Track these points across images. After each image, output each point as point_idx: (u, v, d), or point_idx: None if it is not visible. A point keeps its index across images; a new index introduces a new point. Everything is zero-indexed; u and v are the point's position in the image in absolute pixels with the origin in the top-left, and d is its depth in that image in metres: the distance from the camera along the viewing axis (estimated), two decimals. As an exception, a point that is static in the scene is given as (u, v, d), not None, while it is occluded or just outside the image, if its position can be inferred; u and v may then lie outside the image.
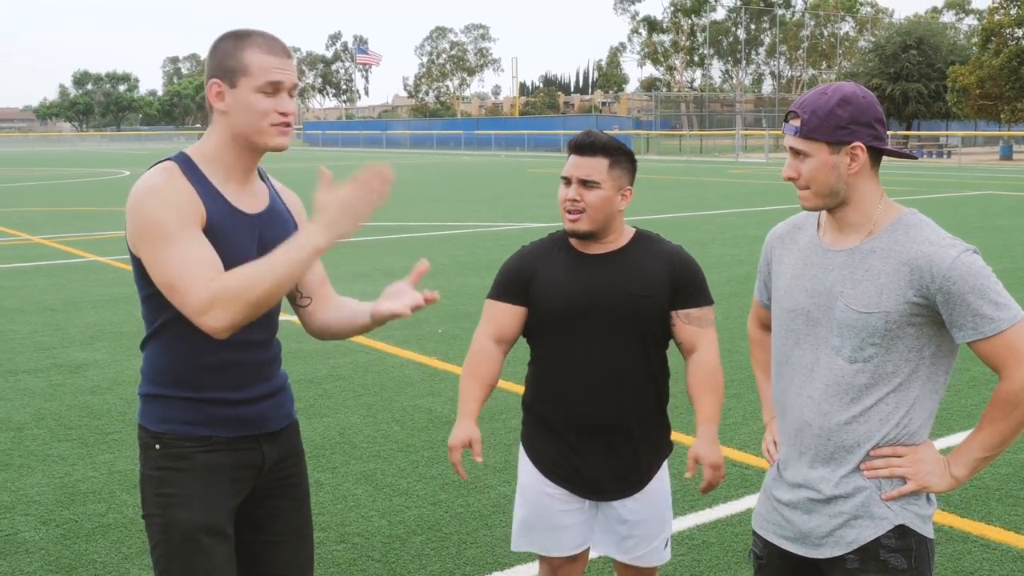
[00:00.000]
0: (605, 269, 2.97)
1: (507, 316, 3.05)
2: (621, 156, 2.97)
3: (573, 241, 3.03)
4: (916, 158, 2.73)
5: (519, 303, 3.04)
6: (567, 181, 2.96)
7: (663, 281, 2.95)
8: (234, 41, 2.44)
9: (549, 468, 3.05)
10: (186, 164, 2.44)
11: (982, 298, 2.24)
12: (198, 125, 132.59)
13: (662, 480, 3.09)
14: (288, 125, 2.48)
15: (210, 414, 2.49)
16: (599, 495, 3.04)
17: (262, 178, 2.62)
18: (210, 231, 2.38)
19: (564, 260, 3.02)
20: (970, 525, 4.58)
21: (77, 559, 4.30)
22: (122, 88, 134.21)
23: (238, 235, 2.45)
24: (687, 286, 2.98)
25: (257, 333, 2.52)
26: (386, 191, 2.40)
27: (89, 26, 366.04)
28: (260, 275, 2.29)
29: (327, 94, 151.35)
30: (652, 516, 3.07)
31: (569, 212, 2.94)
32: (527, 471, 3.11)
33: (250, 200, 2.52)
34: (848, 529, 2.38)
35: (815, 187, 2.34)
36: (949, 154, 48.88)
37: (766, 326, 2.77)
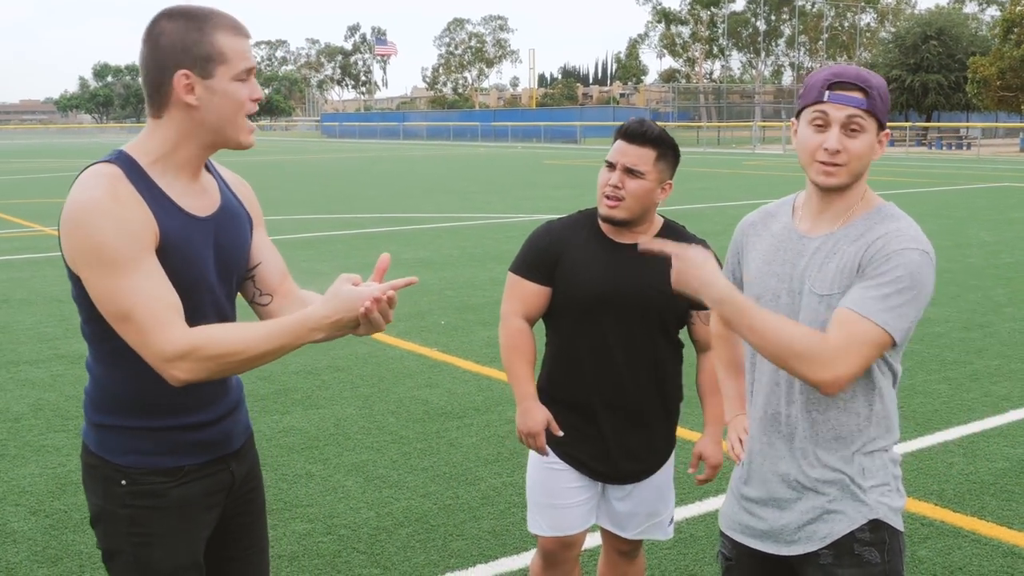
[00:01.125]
0: (634, 260, 2.94)
1: (533, 295, 3.06)
2: (668, 150, 2.97)
3: (604, 226, 3.04)
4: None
5: (545, 283, 3.05)
6: (611, 166, 2.96)
7: None
8: (194, 22, 2.15)
9: (563, 447, 3.10)
10: (130, 167, 2.17)
11: (888, 284, 2.17)
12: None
13: (670, 466, 3.24)
14: (253, 115, 2.27)
15: (178, 441, 2.28)
16: (612, 479, 3.11)
17: (208, 170, 2.37)
18: (165, 246, 2.16)
19: (594, 245, 3.02)
20: (962, 520, 4.54)
21: (64, 549, 4.31)
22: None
23: (193, 244, 2.22)
24: None
25: None
26: (390, 315, 2.21)
27: (112, 23, 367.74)
28: (248, 349, 2.11)
29: (346, 86, 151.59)
30: (658, 499, 3.21)
31: (608, 197, 2.94)
32: (538, 456, 3.17)
33: (201, 201, 2.27)
34: (821, 524, 2.34)
35: (852, 165, 2.26)
36: (969, 146, 48.49)
37: None
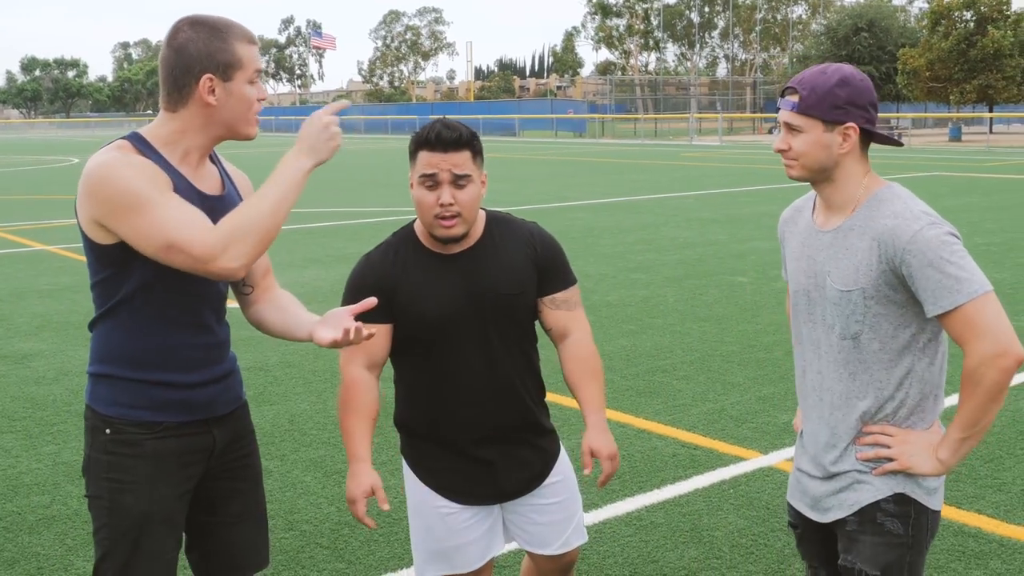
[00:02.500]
0: (472, 269, 2.73)
1: (375, 337, 2.68)
2: (478, 143, 2.69)
3: (426, 240, 2.76)
4: (902, 144, 2.76)
5: (384, 320, 2.73)
6: (432, 183, 2.61)
7: (528, 269, 2.77)
8: (217, 33, 2.44)
9: (443, 485, 2.83)
10: (140, 142, 2.44)
11: (940, 271, 2.28)
12: (149, 112, 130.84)
13: (563, 463, 2.96)
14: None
15: (159, 398, 2.49)
16: (503, 497, 2.87)
17: (213, 161, 2.62)
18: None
19: (426, 265, 2.74)
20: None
21: (20, 552, 4.25)
22: (71, 74, 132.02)
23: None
24: (551, 269, 2.81)
25: (207, 316, 2.55)
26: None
27: (39, 12, 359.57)
28: (262, 207, 2.35)
29: (280, 79, 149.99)
30: (564, 498, 2.93)
31: (443, 219, 2.62)
32: (417, 490, 2.88)
33: (206, 183, 2.53)
34: (850, 492, 2.48)
35: (803, 160, 2.42)
36: (899, 135, 49.42)
37: None
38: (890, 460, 2.43)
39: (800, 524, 2.68)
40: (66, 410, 6.20)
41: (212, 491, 2.65)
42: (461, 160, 2.62)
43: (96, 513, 2.52)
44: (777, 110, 2.51)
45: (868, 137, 2.46)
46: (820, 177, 2.46)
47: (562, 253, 2.87)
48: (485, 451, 2.81)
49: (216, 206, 2.49)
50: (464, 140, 2.63)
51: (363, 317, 2.60)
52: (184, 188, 2.43)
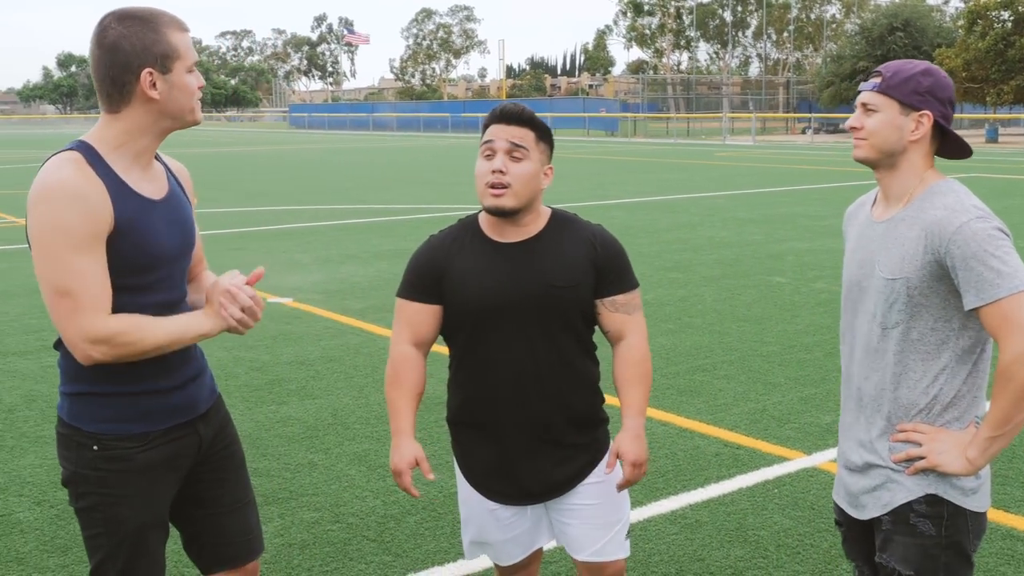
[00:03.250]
0: (524, 259, 2.73)
1: (422, 316, 2.79)
2: (545, 131, 2.76)
3: (487, 228, 2.79)
4: (971, 153, 2.65)
5: (433, 301, 2.79)
6: (490, 152, 2.69)
7: (585, 268, 2.75)
8: (148, 24, 2.38)
9: (484, 484, 2.86)
10: (91, 155, 2.38)
11: (983, 264, 2.29)
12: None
13: (606, 472, 2.86)
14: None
15: (145, 408, 2.50)
16: (538, 498, 2.85)
17: (156, 158, 2.60)
18: (121, 228, 2.37)
19: (479, 251, 2.77)
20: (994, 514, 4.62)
21: (72, 539, 4.31)
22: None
23: (152, 224, 2.44)
24: (611, 271, 2.78)
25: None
26: (256, 318, 2.52)
27: (75, 9, 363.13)
28: (156, 337, 2.38)
29: (312, 76, 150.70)
30: (601, 503, 2.86)
31: (493, 187, 2.67)
32: (465, 488, 2.93)
33: (153, 185, 2.50)
34: (884, 491, 2.49)
35: (873, 140, 2.45)
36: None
37: None
38: (921, 459, 2.42)
39: (844, 522, 2.68)
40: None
41: (200, 485, 2.68)
42: (521, 134, 2.69)
43: (89, 522, 2.52)
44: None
45: (940, 135, 2.48)
46: (885, 162, 2.48)
47: (624, 256, 2.84)
48: (524, 443, 2.79)
49: (161, 209, 2.48)
50: (526, 117, 2.70)
51: (416, 298, 2.78)
52: (134, 205, 2.40)
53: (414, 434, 2.82)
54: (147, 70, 2.36)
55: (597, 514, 2.86)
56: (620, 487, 2.81)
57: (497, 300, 2.72)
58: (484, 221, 2.82)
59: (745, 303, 9.17)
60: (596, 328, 2.86)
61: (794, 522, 4.43)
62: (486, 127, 2.74)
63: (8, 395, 6.44)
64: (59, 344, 2.48)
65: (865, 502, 2.54)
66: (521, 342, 2.74)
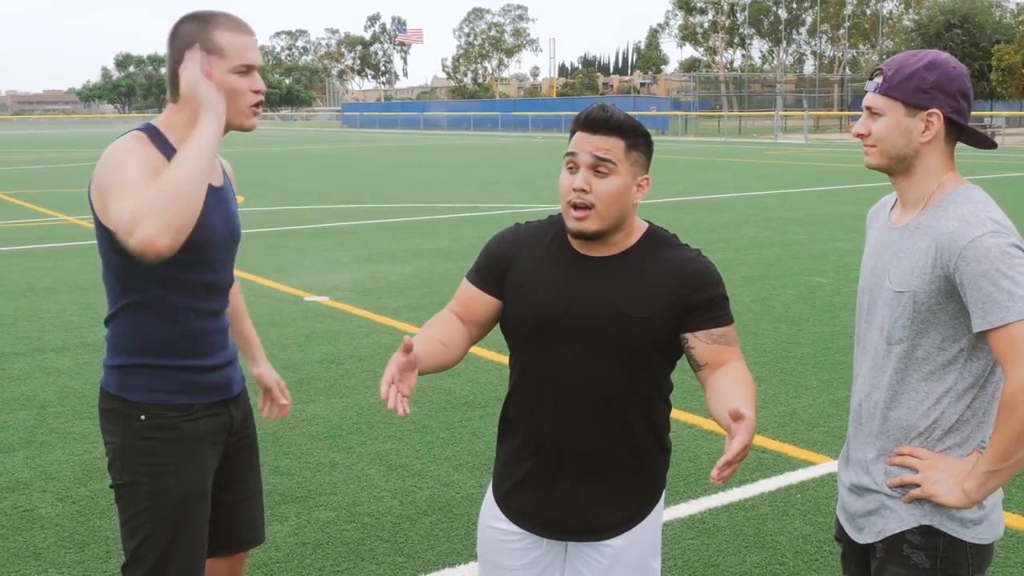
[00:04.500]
0: (596, 276, 2.43)
1: (477, 302, 2.54)
2: (639, 138, 2.40)
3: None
4: (995, 145, 2.52)
5: (492, 293, 2.53)
6: (572, 165, 2.38)
7: (668, 299, 2.39)
8: (200, 23, 2.51)
9: (507, 503, 2.57)
10: (154, 134, 2.52)
11: (994, 283, 2.09)
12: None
13: (649, 530, 2.54)
14: (260, 105, 2.60)
15: (189, 381, 2.60)
16: (558, 534, 2.53)
17: None
18: None
19: (552, 255, 2.49)
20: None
21: (91, 535, 4.35)
22: (163, 70, 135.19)
23: (207, 206, 2.51)
24: (705, 305, 2.41)
25: (219, 303, 2.69)
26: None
27: (132, 11, 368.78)
28: (181, 174, 2.31)
29: (365, 76, 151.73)
30: (630, 566, 2.53)
31: (575, 207, 2.36)
32: (487, 501, 2.66)
33: (212, 175, 2.60)
34: (878, 518, 2.35)
35: (882, 146, 2.28)
36: (993, 134, 48.08)
37: None
38: (916, 486, 2.26)
39: (844, 539, 2.53)
40: (142, 398, 6.34)
41: (224, 470, 2.76)
42: (607, 145, 2.35)
43: (132, 500, 2.58)
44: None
45: (956, 131, 2.29)
46: (898, 167, 2.30)
47: (721, 286, 2.46)
48: (560, 469, 2.49)
49: (216, 196, 2.58)
50: (614, 124, 2.35)
51: (477, 284, 2.55)
52: None
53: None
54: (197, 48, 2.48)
55: (623, 571, 2.52)
56: (738, 455, 2.07)
57: (553, 314, 2.43)
58: None
59: (783, 303, 9.04)
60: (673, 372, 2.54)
61: (815, 528, 4.35)
62: (573, 132, 2.43)
63: (43, 391, 6.53)
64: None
65: (861, 525, 2.40)
66: (575, 365, 2.43)
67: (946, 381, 2.25)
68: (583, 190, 2.34)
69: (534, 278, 2.47)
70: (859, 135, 2.33)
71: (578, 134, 2.39)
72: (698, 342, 2.41)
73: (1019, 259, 2.12)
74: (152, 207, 2.25)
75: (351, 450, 5.41)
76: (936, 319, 2.22)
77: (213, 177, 2.60)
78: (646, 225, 2.52)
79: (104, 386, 2.64)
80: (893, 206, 2.44)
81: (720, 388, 2.33)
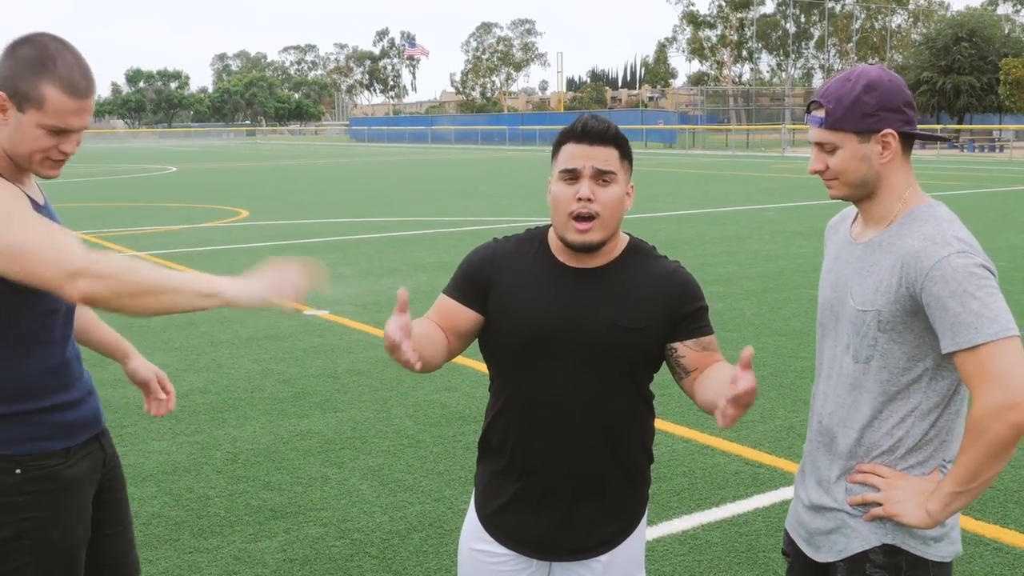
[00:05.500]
0: (588, 289, 2.39)
1: (456, 312, 2.45)
2: (628, 148, 2.41)
3: (555, 247, 2.45)
4: (948, 140, 2.57)
5: (473, 308, 2.45)
6: (572, 175, 2.33)
7: (659, 309, 2.39)
8: (38, 61, 2.27)
9: (492, 523, 2.51)
10: None
11: (961, 304, 2.05)
12: (247, 122, 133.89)
13: (632, 547, 2.53)
14: (63, 161, 2.40)
15: (62, 423, 2.43)
16: (548, 555, 2.49)
17: None
18: None
19: (538, 270, 2.43)
20: (984, 528, 4.46)
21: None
22: (173, 86, 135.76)
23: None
24: (693, 316, 2.43)
25: (69, 328, 2.50)
26: (307, 289, 2.33)
27: (143, 25, 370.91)
28: (149, 274, 2.20)
29: (374, 90, 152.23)
30: None
31: (579, 218, 2.31)
32: (469, 522, 2.60)
33: (35, 192, 2.46)
34: (839, 536, 2.31)
35: (844, 178, 2.24)
36: (1002, 148, 47.95)
37: None
38: (877, 505, 2.23)
39: (792, 553, 2.49)
40: (136, 413, 6.31)
41: (100, 506, 2.60)
42: (607, 155, 2.33)
43: (14, 554, 2.40)
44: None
45: (909, 140, 2.26)
46: (862, 192, 2.26)
47: (704, 298, 2.48)
48: (546, 492, 2.45)
49: (50, 214, 2.44)
50: (611, 135, 2.35)
51: (457, 298, 2.45)
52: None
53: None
54: (2, 93, 2.28)
55: None
56: (731, 412, 2.08)
57: (545, 329, 2.37)
58: (552, 237, 2.48)
59: (784, 317, 8.99)
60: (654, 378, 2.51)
61: (808, 544, 4.30)
62: (562, 144, 2.38)
63: None
64: None
65: (820, 543, 2.36)
66: (568, 382, 2.38)
67: (911, 401, 2.22)
68: (589, 199, 2.30)
69: (523, 294, 2.41)
70: (816, 172, 2.27)
71: (573, 146, 2.34)
72: (688, 351, 2.41)
73: (986, 279, 2.08)
74: (94, 275, 2.15)
75: (343, 465, 5.37)
76: (901, 338, 2.19)
77: (34, 193, 2.43)
78: (628, 237, 2.50)
79: None
80: (855, 220, 2.40)
81: (713, 377, 2.34)
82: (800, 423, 5.96)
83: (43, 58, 2.27)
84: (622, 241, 2.48)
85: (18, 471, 2.36)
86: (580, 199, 2.30)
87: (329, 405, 6.48)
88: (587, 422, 2.40)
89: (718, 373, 2.35)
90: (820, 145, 2.25)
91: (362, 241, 14.98)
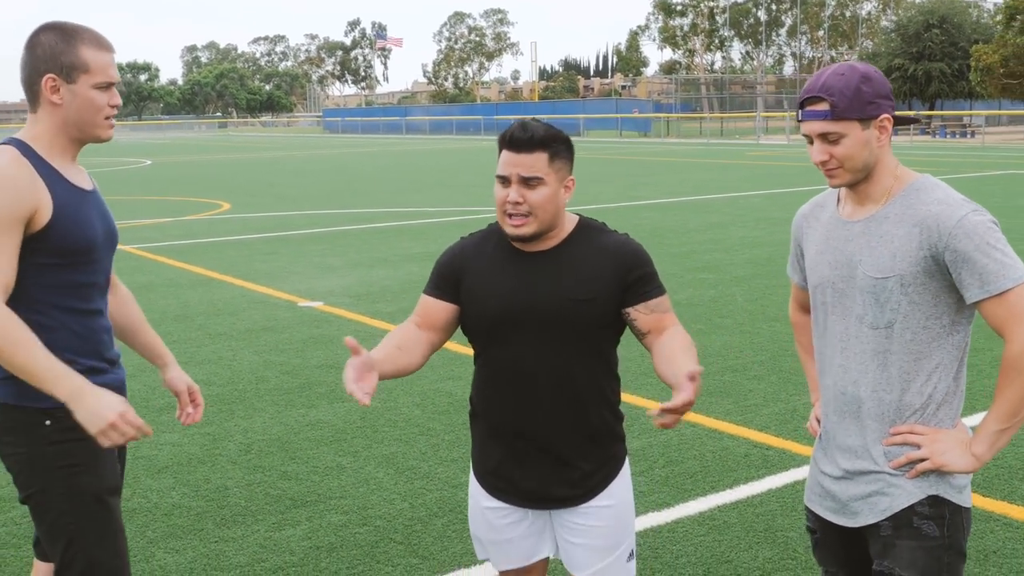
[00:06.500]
0: (543, 270, 2.70)
1: (436, 309, 2.78)
2: (561, 145, 2.68)
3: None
4: (919, 121, 2.76)
5: (449, 300, 2.78)
6: (505, 180, 2.66)
7: (607, 280, 2.68)
8: (65, 36, 2.57)
9: (488, 481, 2.83)
10: (24, 148, 2.59)
11: (986, 256, 2.29)
12: (218, 114, 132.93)
13: (620, 487, 2.81)
14: (112, 117, 2.69)
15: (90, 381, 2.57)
16: (540, 504, 2.79)
17: None
18: (57, 212, 2.55)
19: (499, 259, 2.75)
20: (993, 504, 4.57)
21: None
22: (143, 78, 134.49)
23: (83, 210, 2.63)
24: (640, 282, 2.70)
25: (103, 302, 2.75)
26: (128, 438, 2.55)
27: (111, 18, 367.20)
28: (25, 348, 2.43)
29: (346, 81, 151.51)
30: (608, 526, 2.79)
31: (511, 216, 2.64)
32: (472, 483, 2.92)
33: (81, 178, 2.70)
34: (881, 497, 2.44)
35: (849, 164, 2.40)
36: (973, 134, 48.41)
37: (805, 308, 2.81)
38: (921, 460, 2.39)
39: (819, 528, 2.63)
40: (144, 405, 6.33)
41: None
42: (531, 161, 2.62)
43: (48, 506, 2.60)
44: (799, 121, 2.43)
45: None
46: (862, 176, 2.43)
47: (651, 263, 2.75)
48: (531, 451, 2.74)
49: (91, 199, 2.68)
50: (537, 141, 2.62)
51: (434, 294, 2.79)
52: (66, 191, 2.60)
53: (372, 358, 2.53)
54: (50, 76, 2.55)
55: (601, 535, 2.79)
56: (682, 405, 2.31)
57: (511, 309, 2.69)
58: None
59: (777, 303, 9.10)
60: (619, 348, 2.77)
61: (824, 524, 4.39)
62: (499, 149, 2.69)
63: (43, 400, 6.51)
64: None
65: (858, 508, 2.49)
66: (535, 353, 2.69)
67: (934, 358, 2.40)
68: (517, 202, 2.63)
69: (486, 280, 2.74)
70: (822, 163, 2.41)
71: (505, 152, 2.67)
72: (639, 314, 2.71)
73: (1000, 233, 2.35)
74: None
75: (357, 454, 5.42)
76: (921, 299, 2.37)
77: (83, 180, 2.69)
78: (577, 218, 2.79)
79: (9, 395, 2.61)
80: (839, 203, 2.55)
81: (667, 352, 2.62)
82: (804, 406, 6.05)
83: (67, 32, 2.58)
84: (570, 222, 2.76)
85: (48, 422, 2.56)
86: (510, 201, 2.64)
87: (336, 395, 6.52)
88: (554, 387, 2.70)
89: (671, 351, 2.61)
90: (823, 136, 2.39)
91: (348, 232, 14.99)
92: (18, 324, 2.44)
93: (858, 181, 2.44)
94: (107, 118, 2.63)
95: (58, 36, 2.56)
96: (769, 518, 4.47)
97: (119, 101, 2.66)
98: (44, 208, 2.53)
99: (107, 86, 2.60)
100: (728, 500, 4.69)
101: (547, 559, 2.91)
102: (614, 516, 2.80)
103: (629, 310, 2.70)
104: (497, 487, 2.81)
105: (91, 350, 2.65)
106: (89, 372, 2.60)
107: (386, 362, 2.59)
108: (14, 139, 2.60)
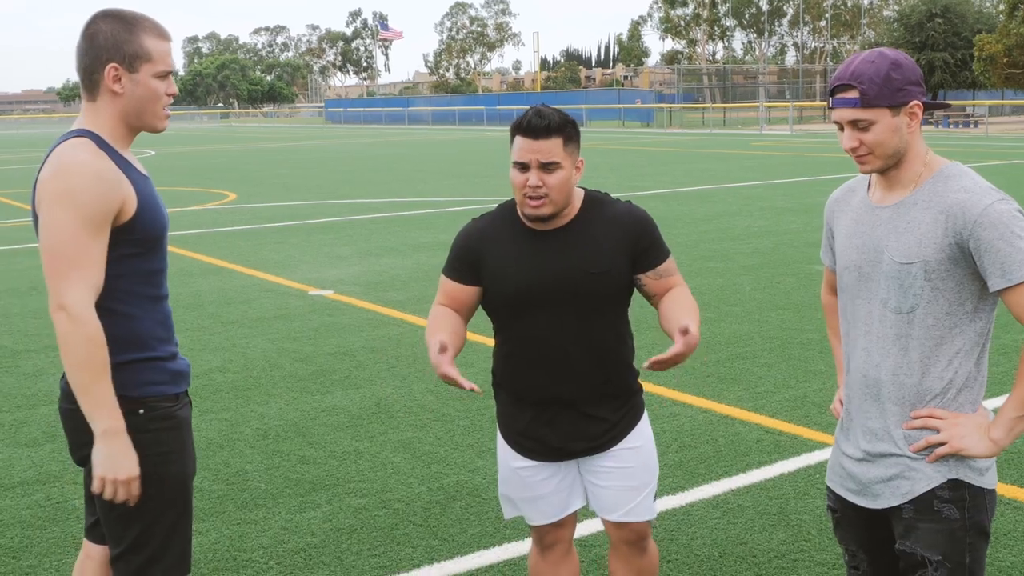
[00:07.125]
0: (559, 247, 2.88)
1: (460, 293, 2.98)
2: (572, 130, 2.85)
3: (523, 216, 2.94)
4: (950, 105, 2.79)
5: (471, 283, 2.97)
6: (523, 167, 2.81)
7: (619, 250, 2.89)
8: (126, 25, 2.56)
9: (518, 442, 3.03)
10: (97, 140, 2.58)
11: (1010, 245, 2.31)
12: (220, 104, 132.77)
13: (644, 430, 3.07)
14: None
15: (169, 370, 2.70)
16: (572, 455, 3.01)
17: None
18: (141, 203, 2.58)
19: (515, 238, 2.92)
20: (1003, 488, 4.63)
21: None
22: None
23: (155, 196, 2.67)
24: (647, 249, 2.93)
25: (166, 287, 2.77)
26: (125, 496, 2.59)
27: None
28: (101, 373, 2.47)
29: (347, 72, 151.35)
30: (635, 466, 3.02)
31: (531, 198, 2.80)
32: (500, 446, 3.12)
33: (140, 166, 2.72)
34: (903, 480, 2.49)
35: (879, 151, 2.42)
36: (976, 123, 48.39)
37: (837, 291, 2.85)
38: (940, 445, 2.43)
39: (840, 508, 2.68)
40: (161, 392, 6.39)
41: None
42: (549, 147, 2.78)
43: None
44: (829, 109, 2.47)
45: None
46: (893, 162, 2.46)
47: (655, 227, 2.98)
48: (558, 412, 2.97)
49: (152, 184, 2.72)
50: (553, 128, 2.78)
51: (455, 278, 2.97)
52: (140, 180, 2.62)
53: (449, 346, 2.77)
54: (112, 64, 2.54)
55: (629, 476, 3.02)
56: (671, 357, 2.64)
57: (532, 287, 2.88)
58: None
59: (784, 291, 9.16)
60: (630, 310, 2.97)
61: (836, 507, 4.45)
62: (513, 135, 2.84)
63: (58, 388, 6.57)
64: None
65: (880, 491, 2.53)
66: (556, 325, 2.90)
67: (955, 343, 2.44)
68: (537, 186, 2.79)
69: (507, 261, 2.91)
70: (852, 149, 2.45)
71: (521, 139, 2.81)
72: (649, 280, 2.95)
73: None
74: (74, 324, 2.43)
75: (374, 439, 5.49)
76: (944, 285, 2.41)
77: (142, 168, 2.71)
78: (583, 192, 2.97)
79: None
80: (869, 188, 2.59)
81: (670, 309, 2.88)
82: (814, 392, 6.12)
83: (127, 20, 2.57)
84: (578, 198, 2.95)
85: (141, 411, 2.63)
86: (530, 185, 2.79)
87: (350, 382, 6.58)
88: (577, 353, 2.91)
89: (674, 308, 2.87)
90: (853, 123, 2.42)
91: (356, 222, 15.04)
92: (104, 347, 2.48)
93: (888, 167, 2.47)
94: (164, 108, 2.66)
95: (119, 24, 2.55)
96: (782, 501, 4.54)
97: (176, 90, 2.68)
98: (130, 199, 2.55)
99: (166, 75, 2.61)
100: (741, 484, 4.75)
101: (576, 513, 3.13)
102: (641, 457, 3.04)
103: (640, 276, 2.94)
104: (527, 447, 3.02)
105: (170, 336, 2.72)
106: (171, 358, 2.70)
107: (455, 351, 2.83)
108: (85, 130, 2.58)
